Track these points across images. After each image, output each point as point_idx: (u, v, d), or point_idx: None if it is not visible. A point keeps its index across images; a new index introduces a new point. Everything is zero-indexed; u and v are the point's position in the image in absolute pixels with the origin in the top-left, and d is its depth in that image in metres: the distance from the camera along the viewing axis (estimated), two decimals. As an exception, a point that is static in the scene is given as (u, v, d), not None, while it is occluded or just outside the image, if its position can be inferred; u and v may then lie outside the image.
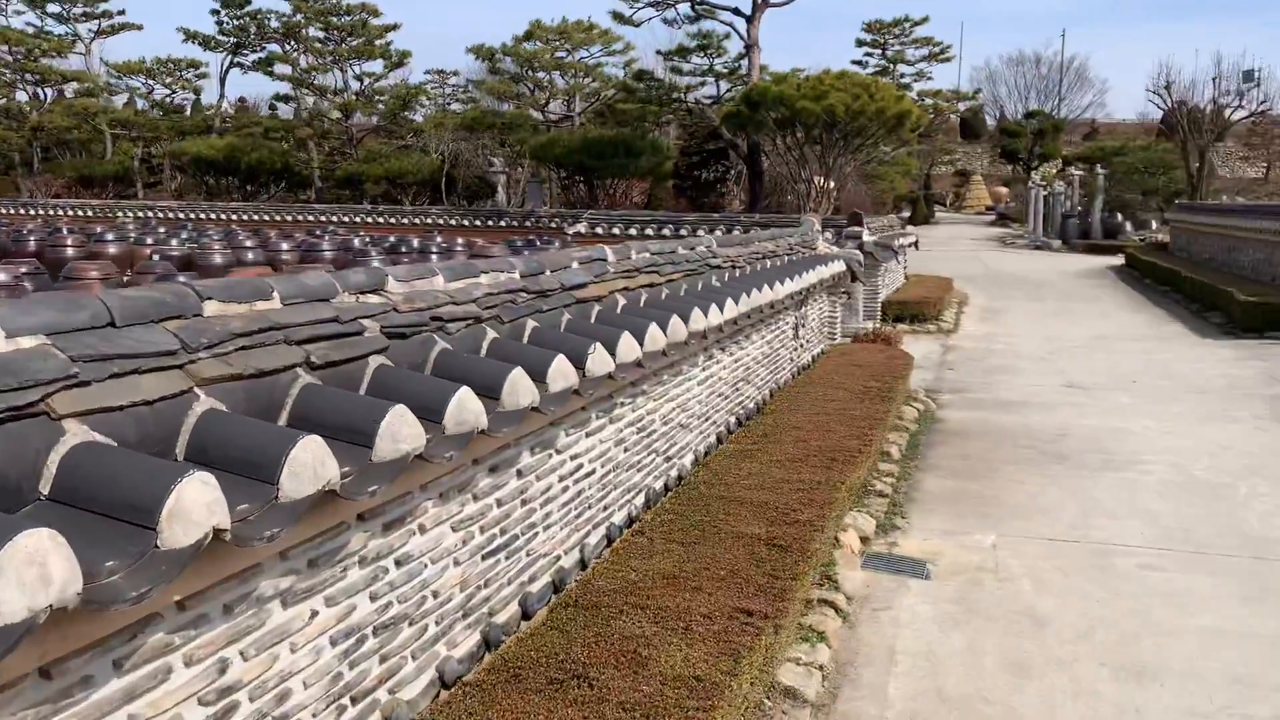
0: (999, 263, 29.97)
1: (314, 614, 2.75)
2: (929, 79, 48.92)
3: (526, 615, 3.90)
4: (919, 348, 13.57)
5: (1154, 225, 36.60)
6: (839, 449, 6.16)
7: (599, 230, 18.49)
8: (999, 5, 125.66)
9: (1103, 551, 5.70)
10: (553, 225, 22.01)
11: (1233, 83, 40.04)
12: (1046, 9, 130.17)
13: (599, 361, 3.99)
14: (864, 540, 5.77)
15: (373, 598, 3.00)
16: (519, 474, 3.85)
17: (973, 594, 5.08)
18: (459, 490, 3.43)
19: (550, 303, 4.37)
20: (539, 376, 3.57)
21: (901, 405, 9.06)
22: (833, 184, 22.84)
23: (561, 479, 4.22)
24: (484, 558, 3.62)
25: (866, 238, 15.10)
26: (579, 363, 3.88)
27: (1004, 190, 64.67)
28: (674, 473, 5.65)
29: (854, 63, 44.44)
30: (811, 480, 5.40)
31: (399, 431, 2.67)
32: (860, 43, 48.76)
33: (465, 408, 3.00)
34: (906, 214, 53.94)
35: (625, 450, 4.93)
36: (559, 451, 4.19)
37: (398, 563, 3.11)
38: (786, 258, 9.25)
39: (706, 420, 6.34)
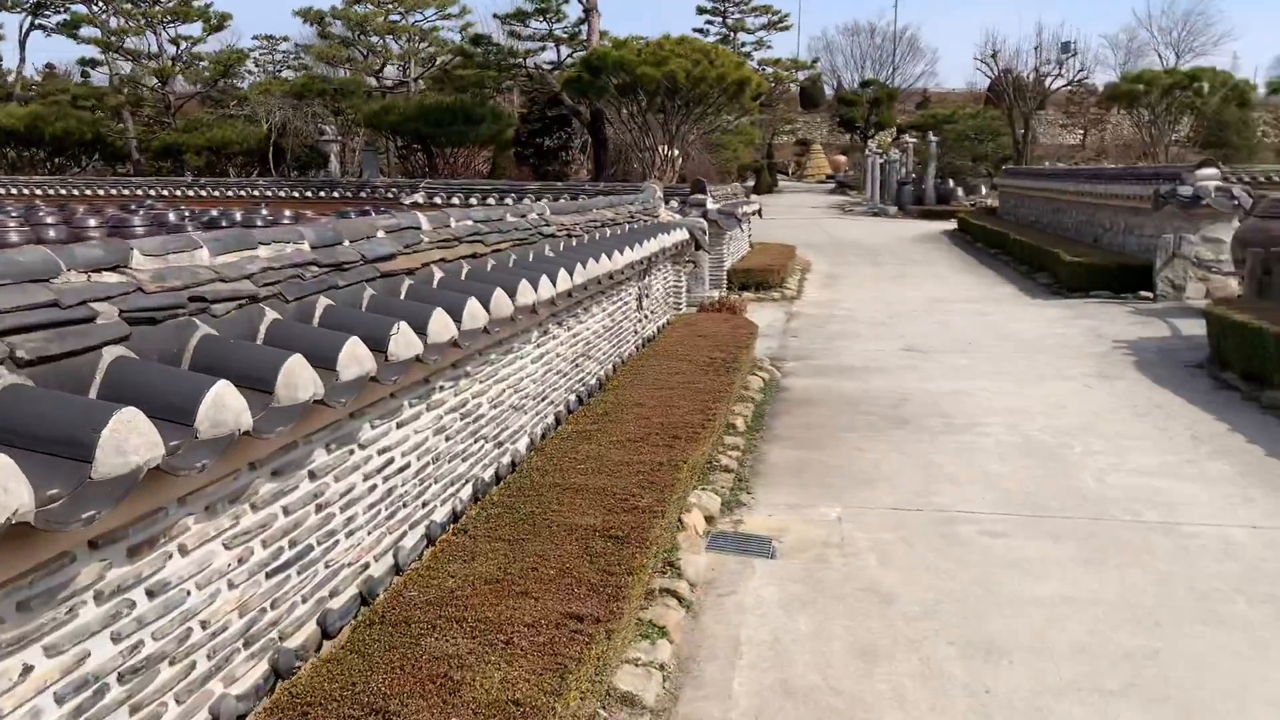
0: (839, 229, 30.59)
1: (27, 669, 2.22)
2: (768, 48, 49.53)
3: (328, 634, 3.42)
4: (764, 315, 13.51)
5: (984, 190, 38.09)
6: (682, 425, 5.86)
7: (437, 200, 17.76)
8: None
9: (947, 519, 5.60)
10: (389, 196, 21.05)
11: (1052, 53, 41.98)
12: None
13: (404, 343, 3.52)
14: (709, 520, 5.50)
15: (115, 638, 2.48)
16: (312, 475, 3.36)
17: (819, 572, 4.87)
18: (231, 501, 2.92)
19: (349, 277, 3.86)
20: (327, 363, 3.09)
21: (747, 375, 8.88)
22: (677, 152, 22.66)
23: (367, 477, 3.74)
24: (269, 575, 3.13)
25: (710, 206, 14.94)
26: (379, 345, 3.41)
27: (843, 159, 66.39)
28: (507, 460, 5.23)
29: (695, 30, 44.53)
30: (653, 461, 5.08)
31: (126, 441, 2.16)
32: (701, 10, 48.87)
33: (223, 406, 2.50)
34: (751, 183, 54.63)
35: (447, 439, 4.48)
36: (363, 446, 3.71)
37: (150, 593, 2.60)
38: (627, 226, 8.90)
39: (543, 400, 5.94)
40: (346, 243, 4.03)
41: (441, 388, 4.40)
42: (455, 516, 4.52)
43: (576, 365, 6.68)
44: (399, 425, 4.01)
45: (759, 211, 19.94)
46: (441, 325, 3.85)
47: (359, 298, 3.86)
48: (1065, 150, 57.28)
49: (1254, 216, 12.30)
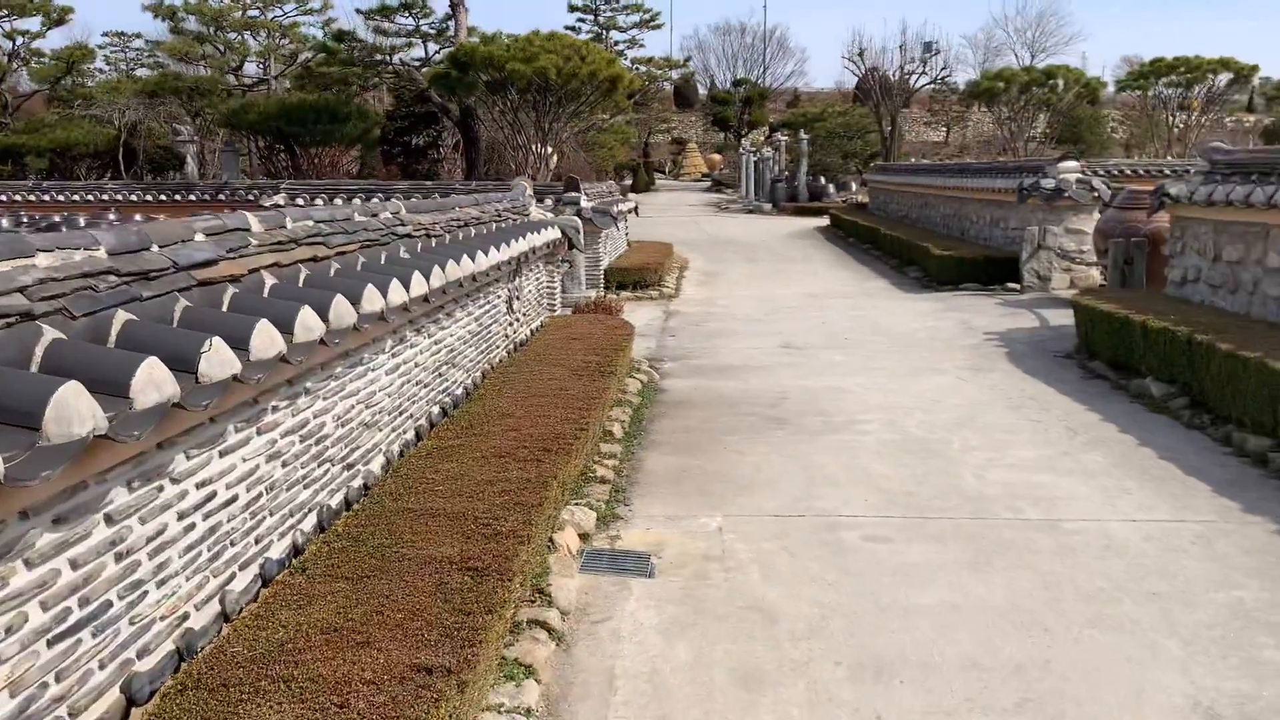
0: (716, 227, 30.68)
1: None
2: (641, 46, 49.49)
3: (135, 702, 2.94)
4: (642, 314, 13.26)
5: (854, 187, 38.84)
6: (554, 436, 5.50)
7: (300, 201, 16.97)
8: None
9: (829, 525, 5.39)
10: (249, 198, 20.05)
11: (916, 52, 43.15)
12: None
13: (218, 362, 3.06)
14: (584, 537, 5.16)
15: None
16: (109, 519, 2.88)
17: (699, 590, 4.58)
18: (-7, 560, 2.43)
19: (157, 287, 3.37)
20: (118, 389, 2.63)
21: (624, 378, 8.58)
22: (550, 150, 22.25)
23: (183, 515, 3.26)
24: (52, 643, 2.64)
25: (585, 204, 14.61)
26: (187, 365, 2.95)
27: (718, 157, 67.01)
28: (358, 483, 4.78)
29: (568, 28, 44.14)
30: (520, 478, 4.70)
31: None
32: (572, 8, 48.47)
33: (-40, 451, 2.03)
34: (628, 181, 54.64)
35: (284, 465, 4.01)
36: (176, 480, 3.23)
37: (-124, 686, 2.10)
38: (494, 225, 8.48)
39: (401, 415, 5.49)
40: (155, 248, 3.53)
41: (275, 408, 3.94)
42: (296, 550, 4.06)
43: (440, 374, 6.24)
44: (222, 453, 3.53)
45: (635, 209, 19.71)
46: (267, 340, 3.40)
47: (169, 311, 3.37)
48: (930, 146, 59.11)
49: (1113, 208, 12.66)
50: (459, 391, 6.64)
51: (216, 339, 3.11)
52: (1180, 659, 3.87)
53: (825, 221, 30.54)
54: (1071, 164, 14.32)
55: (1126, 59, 69.82)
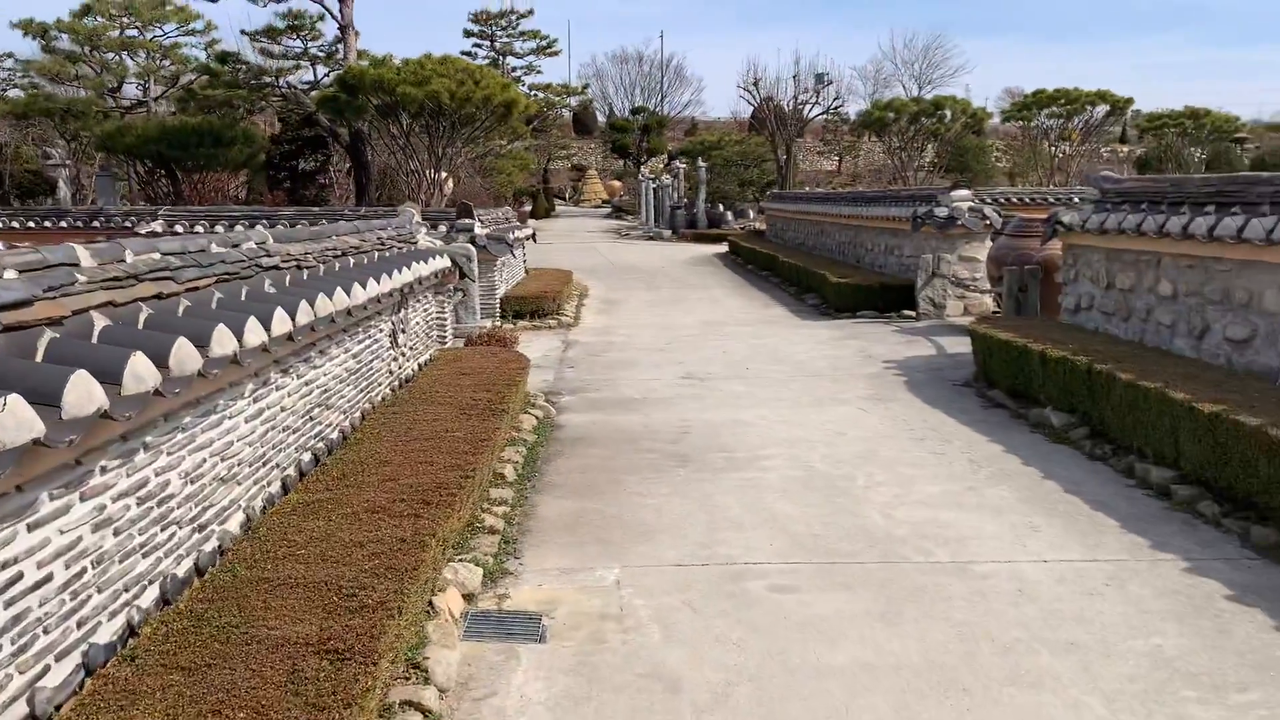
0: (616, 254, 30.47)
1: None
2: (539, 73, 49.21)
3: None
4: (540, 345, 12.86)
5: (752, 214, 39.16)
6: (436, 486, 5.06)
7: (179, 229, 16.13)
8: (603, 6, 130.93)
9: (734, 574, 5.07)
10: (125, 224, 19.07)
11: (809, 82, 43.89)
12: (646, 12, 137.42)
13: (13, 425, 2.58)
14: (468, 598, 4.73)
15: None
16: None
17: (595, 655, 4.20)
18: None
19: (-55, 335, 2.86)
20: None
21: (519, 414, 8.16)
22: (445, 175, 21.70)
23: (-25, 607, 2.75)
24: None
25: (479, 230, 14.17)
26: (-29, 431, 2.46)
27: (617, 184, 67.15)
28: (211, 545, 4.26)
29: (463, 53, 43.60)
30: (394, 537, 4.26)
31: None
32: (468, 34, 48.00)
33: None
34: (528, 208, 54.20)
35: (116, 534, 3.50)
36: (-36, 566, 2.72)
37: None
38: (376, 254, 8.00)
39: (265, 465, 4.98)
40: (-55, 287, 3.01)
41: (105, 468, 3.43)
42: (132, 630, 3.54)
43: (311, 418, 5.74)
44: (31, 527, 3.02)
45: (533, 236, 19.32)
46: (83, 394, 2.92)
47: (-40, 362, 2.86)
48: (823, 175, 60.26)
49: (1005, 236, 12.79)
50: (334, 435, 6.14)
51: (13, 397, 2.63)
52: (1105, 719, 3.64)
53: (724, 248, 30.63)
54: (963, 192, 14.49)
55: (1008, 91, 72.50)
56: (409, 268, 7.97)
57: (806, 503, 6.24)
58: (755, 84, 40.87)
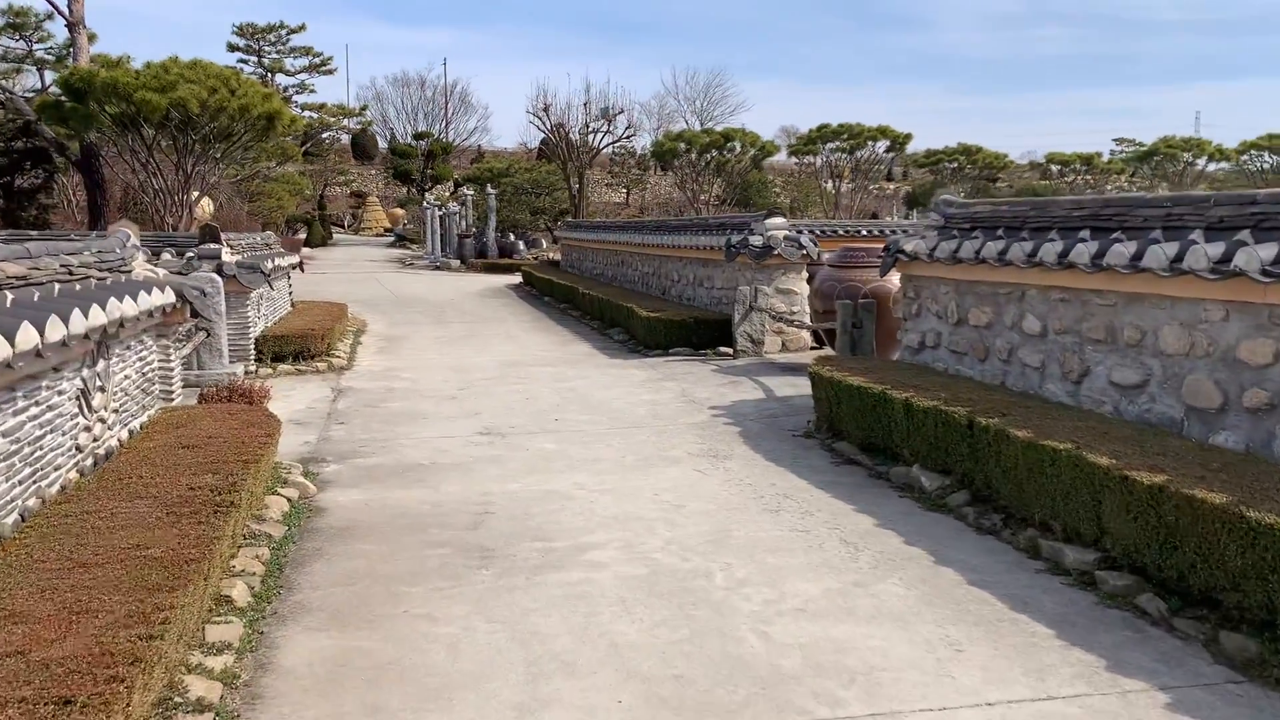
0: (400, 284, 28.21)
1: None
2: (312, 91, 46.09)
3: None
4: (303, 395, 10.76)
5: (544, 244, 37.75)
6: (97, 655, 3.15)
7: None
8: (383, 32, 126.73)
9: (574, 761, 3.41)
10: None
11: (599, 111, 43.06)
12: (428, 41, 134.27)
13: None
14: None
15: None
16: None
17: None
18: None
19: None
20: None
21: (262, 499, 6.20)
22: (197, 196, 18.96)
23: None
24: None
25: (228, 258, 11.90)
26: None
27: (401, 211, 64.22)
28: None
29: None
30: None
31: None
32: (233, 48, 44.33)
33: None
34: (302, 235, 50.63)
35: None
36: None
37: None
38: (57, 286, 5.85)
39: None
40: None
41: None
42: None
43: (-99, 546, 3.65)
44: None
45: (301, 265, 16.99)
46: None
47: None
48: (612, 208, 59.85)
49: (830, 266, 11.81)
50: (-44, 562, 4.04)
51: None
52: None
53: (518, 279, 29.01)
54: (778, 220, 13.50)
55: (784, 129, 74.74)
56: (108, 305, 5.87)
57: (656, 619, 4.67)
58: (545, 109, 39.66)
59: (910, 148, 42.95)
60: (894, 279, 9.82)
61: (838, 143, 37.86)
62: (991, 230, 7.99)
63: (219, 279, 11.27)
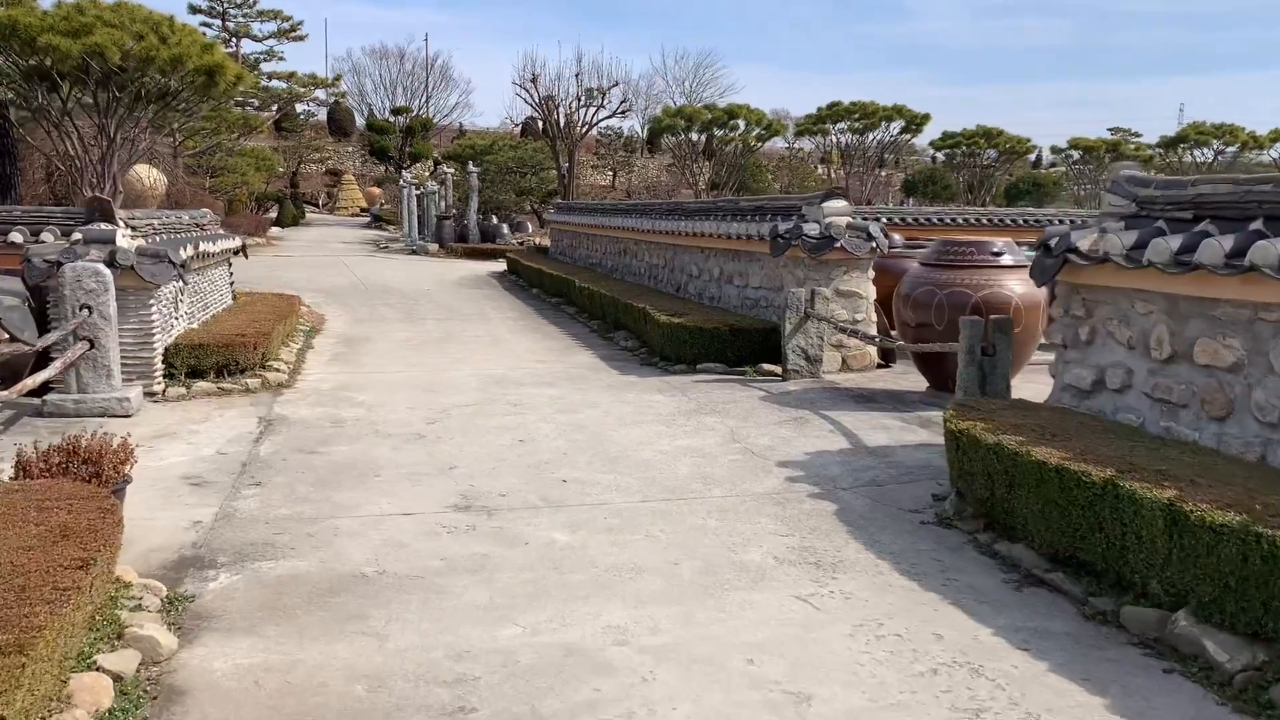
0: (370, 271, 25.26)
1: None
2: (281, 59, 42.83)
3: None
4: (216, 430, 7.92)
5: (530, 228, 34.83)
6: None
7: None
8: (366, 12, 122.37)
9: None
10: None
11: (592, 82, 39.86)
12: (413, 20, 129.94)
13: None
14: None
15: None
16: None
17: None
18: None
19: None
20: None
21: (63, 679, 3.38)
22: (121, 165, 15.92)
23: None
24: None
25: (124, 243, 8.99)
26: None
27: (377, 191, 60.92)
28: None
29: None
30: None
31: None
32: (194, 9, 40.96)
33: None
34: (272, 214, 47.44)
35: None
36: None
37: None
38: None
39: None
40: None
41: None
42: None
43: None
44: None
45: (243, 250, 14.05)
46: None
47: None
48: (599, 190, 56.90)
49: (922, 265, 9.01)
50: None
51: None
52: None
53: (502, 266, 26.13)
54: (840, 203, 10.69)
55: (775, 112, 71.87)
56: None
57: None
58: (534, 80, 36.57)
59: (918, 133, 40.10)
60: (1015, 285, 7.06)
61: (848, 123, 35.04)
62: (1238, 222, 5.22)
63: (107, 272, 8.37)
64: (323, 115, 64.46)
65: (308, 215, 54.02)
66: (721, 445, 7.62)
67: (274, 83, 38.18)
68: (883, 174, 62.71)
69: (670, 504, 6.17)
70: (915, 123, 35.26)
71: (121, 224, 9.05)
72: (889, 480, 6.67)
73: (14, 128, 16.63)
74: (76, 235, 8.87)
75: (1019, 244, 9.44)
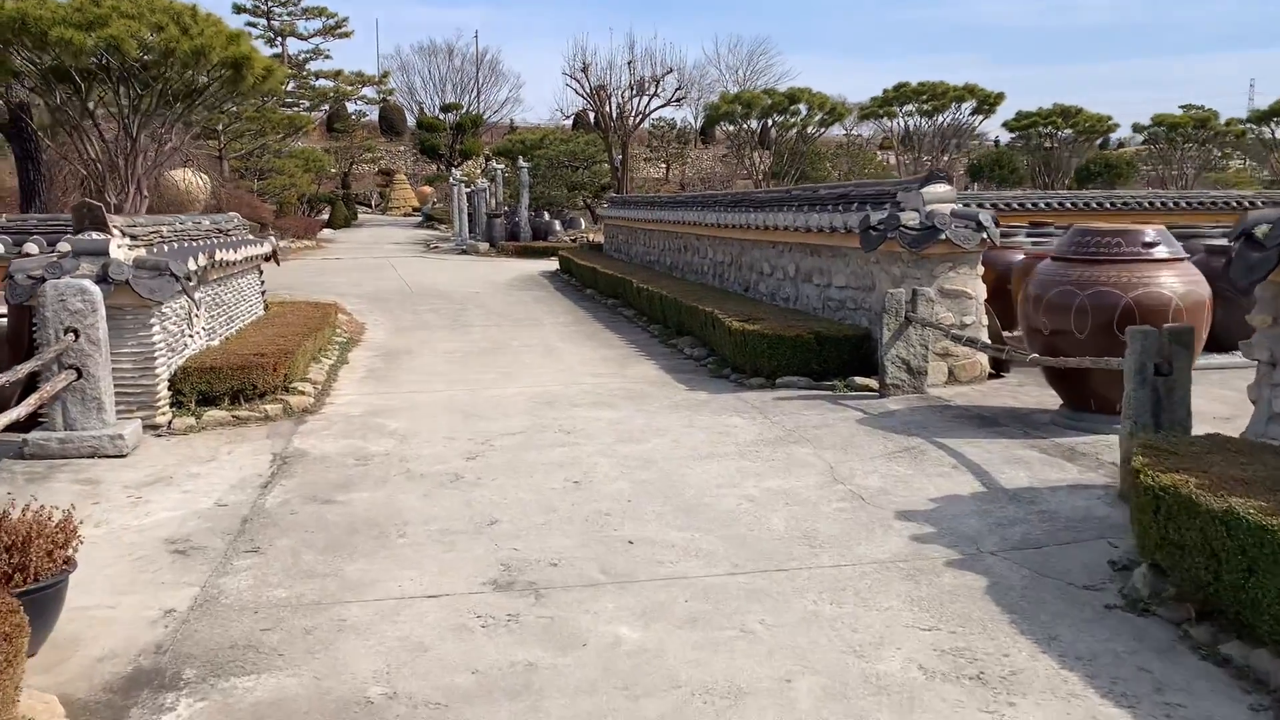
0: (418, 272, 24.22)
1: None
2: (327, 57, 42.09)
3: None
4: (221, 473, 6.73)
5: (584, 224, 33.60)
6: None
7: None
8: (416, 12, 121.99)
9: None
10: None
11: (648, 70, 38.43)
12: (463, 19, 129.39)
13: None
14: None
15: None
16: None
17: None
18: None
19: None
20: None
21: None
22: (147, 167, 14.92)
23: None
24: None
25: (119, 254, 7.84)
26: None
27: (429, 189, 60.23)
28: None
29: (237, 34, 36.36)
30: None
31: None
32: (239, 9, 40.34)
33: None
34: (324, 216, 46.87)
35: None
36: None
37: None
38: None
39: None
40: None
41: None
42: None
43: None
44: None
45: (274, 256, 12.95)
46: None
47: None
48: (651, 183, 55.58)
49: (1054, 260, 7.52)
50: None
51: None
52: None
53: (554, 265, 24.95)
54: (943, 188, 9.21)
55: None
56: None
57: None
58: (585, 69, 35.28)
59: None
60: (1173, 282, 5.56)
61: (915, 104, 33.21)
62: None
63: (95, 289, 7.22)
64: (374, 115, 63.95)
65: (360, 216, 53.48)
66: (821, 487, 6.22)
67: (321, 82, 37.41)
68: (944, 159, 60.54)
69: (768, 578, 4.80)
70: (988, 102, 33.30)
71: (117, 232, 7.90)
72: (1045, 539, 5.22)
73: (37, 132, 15.74)
74: (64, 246, 7.74)
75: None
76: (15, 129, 15.47)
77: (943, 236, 8.77)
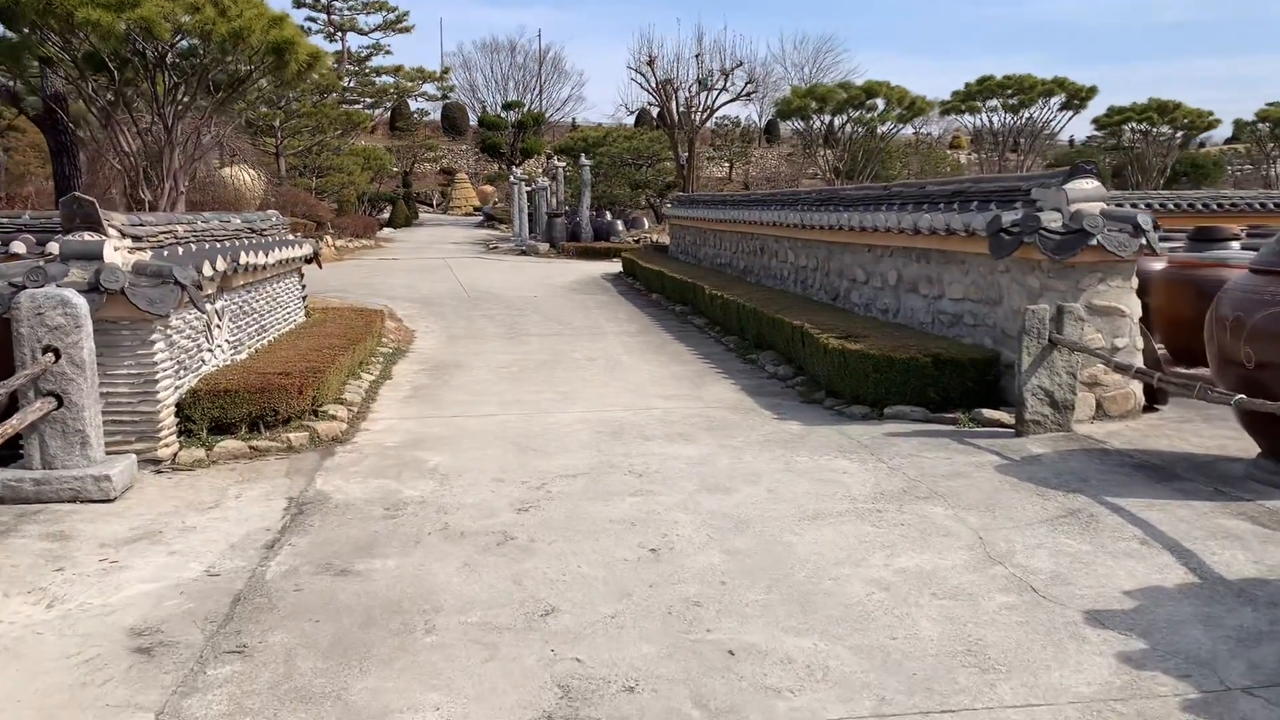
0: (476, 274, 23.12)
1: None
2: (388, 53, 41.39)
3: None
4: (221, 527, 5.51)
5: (647, 224, 32.28)
6: None
7: None
8: (480, 12, 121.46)
9: None
10: None
11: (716, 64, 36.95)
12: (527, 19, 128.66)
13: None
14: None
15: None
16: None
17: None
18: None
19: None
20: None
21: None
22: (184, 160, 13.90)
23: None
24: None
25: (115, 258, 6.65)
26: None
27: (490, 189, 59.47)
28: None
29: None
30: None
31: None
32: (299, 3, 39.72)
33: None
34: (385, 215, 46.26)
35: None
36: None
37: None
38: None
39: None
40: None
41: None
42: None
43: None
44: None
45: (315, 258, 11.81)
46: None
47: None
48: (715, 182, 54.18)
49: (1253, 272, 5.99)
50: None
51: None
52: None
53: (616, 267, 23.70)
54: (1091, 185, 7.67)
55: (906, 95, 67.45)
56: None
57: None
58: (650, 63, 33.96)
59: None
60: None
61: (1000, 99, 31.30)
62: None
63: (79, 301, 6.05)
64: (437, 114, 63.41)
65: (421, 215, 52.86)
66: (973, 569, 4.78)
67: (382, 78, 36.60)
68: (1016, 159, 58.11)
69: (933, 725, 3.40)
70: (1080, 96, 31.23)
71: (115, 232, 6.73)
72: (1311, 667, 3.74)
73: (72, 125, 14.85)
74: (51, 248, 6.59)
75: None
76: (51, 121, 14.60)
77: (1093, 242, 7.25)
